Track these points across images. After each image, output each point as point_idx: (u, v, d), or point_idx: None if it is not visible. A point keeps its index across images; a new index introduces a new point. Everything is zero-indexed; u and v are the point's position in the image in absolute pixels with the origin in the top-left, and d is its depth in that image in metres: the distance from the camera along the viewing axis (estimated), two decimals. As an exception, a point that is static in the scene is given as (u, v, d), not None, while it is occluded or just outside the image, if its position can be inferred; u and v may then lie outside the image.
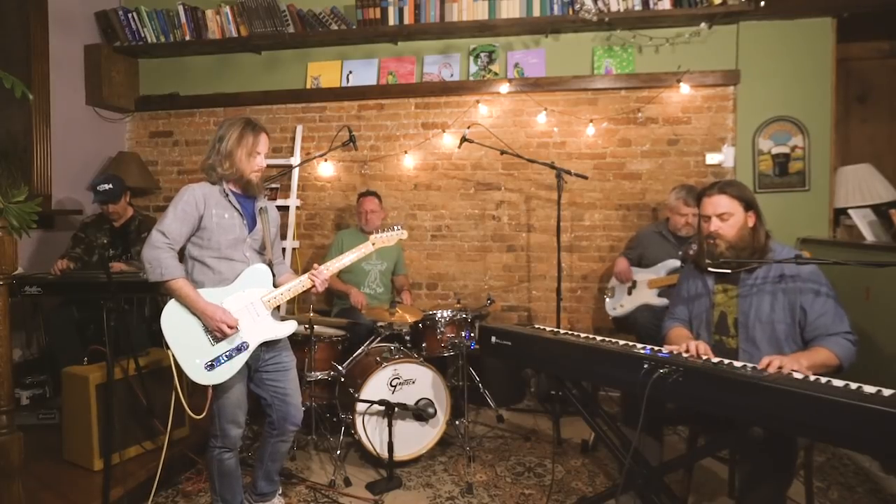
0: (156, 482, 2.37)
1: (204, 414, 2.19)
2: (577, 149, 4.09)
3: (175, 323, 2.13)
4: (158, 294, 2.99)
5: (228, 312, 2.15)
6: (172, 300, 2.14)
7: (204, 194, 2.20)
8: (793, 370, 1.80)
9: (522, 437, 3.28)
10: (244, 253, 2.26)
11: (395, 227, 2.53)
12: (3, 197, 1.89)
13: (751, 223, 2.15)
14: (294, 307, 4.30)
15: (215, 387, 2.17)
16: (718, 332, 2.22)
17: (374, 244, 2.47)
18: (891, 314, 2.85)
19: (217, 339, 2.16)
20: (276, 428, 2.35)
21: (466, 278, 4.28)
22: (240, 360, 2.18)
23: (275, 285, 2.32)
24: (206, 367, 2.12)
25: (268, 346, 2.28)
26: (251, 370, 2.28)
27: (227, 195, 2.24)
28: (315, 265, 2.35)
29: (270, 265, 2.31)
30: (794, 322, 2.07)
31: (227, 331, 2.13)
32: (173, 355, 2.11)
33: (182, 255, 2.22)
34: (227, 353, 2.16)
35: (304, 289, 2.32)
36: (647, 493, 2.06)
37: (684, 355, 1.99)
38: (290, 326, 2.31)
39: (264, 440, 2.40)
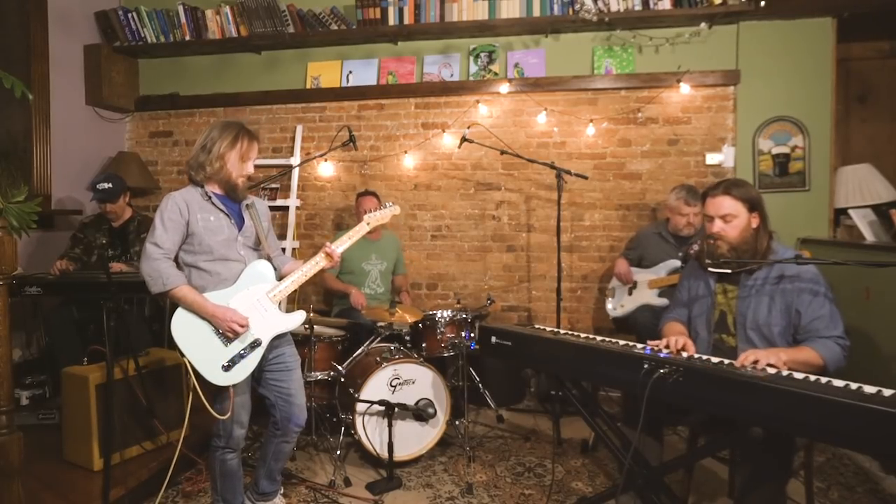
0: (165, 482, 2.34)
1: (229, 414, 2.18)
2: (577, 149, 4.09)
3: (185, 329, 2.13)
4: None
5: (237, 311, 2.15)
6: (179, 308, 2.14)
7: (186, 200, 2.19)
8: (769, 364, 1.81)
9: (522, 437, 3.28)
10: (238, 252, 2.26)
11: (387, 205, 2.55)
12: (3, 197, 1.89)
13: (754, 224, 2.14)
14: (294, 307, 4.30)
15: (220, 387, 2.17)
16: (718, 330, 2.22)
17: (368, 223, 2.48)
18: (891, 314, 2.85)
19: (230, 340, 2.16)
20: (279, 428, 2.35)
21: (466, 278, 4.28)
22: (255, 357, 2.19)
23: (280, 277, 2.32)
24: (223, 369, 2.13)
25: (272, 344, 2.28)
26: (255, 370, 2.28)
27: (210, 198, 2.23)
28: (327, 244, 2.34)
29: (270, 260, 2.31)
30: (789, 325, 2.07)
31: (239, 329, 2.14)
32: (189, 361, 2.11)
33: (177, 264, 2.22)
34: (242, 352, 2.16)
35: (319, 268, 2.32)
36: (647, 493, 2.06)
37: (664, 351, 2.00)
38: (299, 317, 2.30)
39: (267, 440, 2.40)
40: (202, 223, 2.18)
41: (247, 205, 2.34)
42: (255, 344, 2.19)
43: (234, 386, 2.17)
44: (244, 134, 2.25)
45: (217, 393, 2.19)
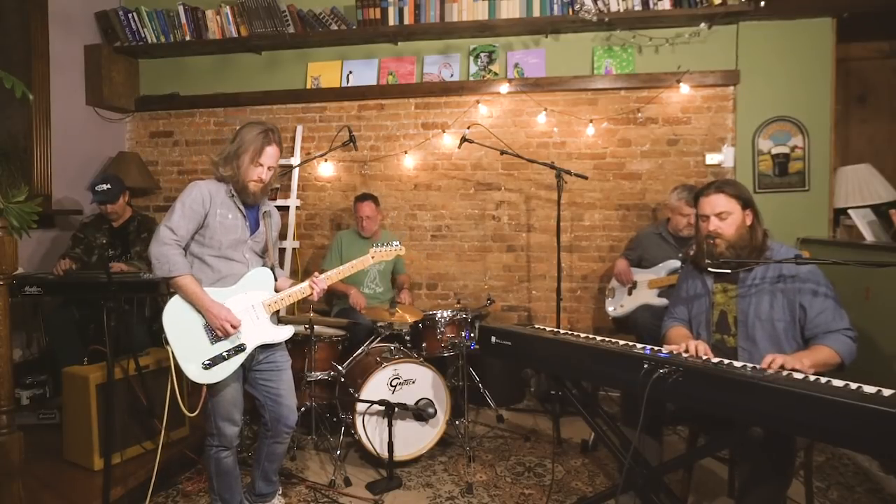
0: (152, 483, 2.35)
1: (197, 411, 2.18)
2: (577, 149, 4.09)
3: (177, 320, 2.13)
4: (158, 294, 2.99)
5: (232, 312, 2.16)
6: (176, 297, 2.14)
7: (210, 192, 2.20)
8: (794, 369, 1.81)
9: (522, 437, 3.28)
10: (244, 254, 2.27)
11: (394, 243, 2.58)
12: (4, 197, 1.89)
13: (748, 221, 2.16)
14: (294, 307, 4.29)
15: (210, 385, 2.17)
16: (719, 330, 2.23)
17: (373, 258, 2.53)
18: (891, 314, 2.85)
19: (217, 339, 2.16)
20: (269, 429, 2.35)
21: (466, 278, 4.28)
22: (236, 361, 2.19)
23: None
24: (203, 366, 2.13)
25: (263, 346, 2.28)
26: (245, 370, 2.28)
27: (233, 195, 2.25)
28: (316, 273, 2.37)
29: (273, 269, 2.31)
30: (793, 320, 2.07)
31: (231, 330, 2.14)
32: (172, 351, 2.12)
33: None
34: (226, 353, 2.16)
35: (303, 296, 2.34)
36: (647, 493, 2.06)
37: (684, 355, 1.99)
38: (287, 332, 2.32)
39: (260, 441, 2.40)
40: (220, 218, 2.19)
41: (265, 212, 2.35)
42: (239, 348, 2.19)
43: (209, 386, 2.17)
44: (260, 137, 2.22)
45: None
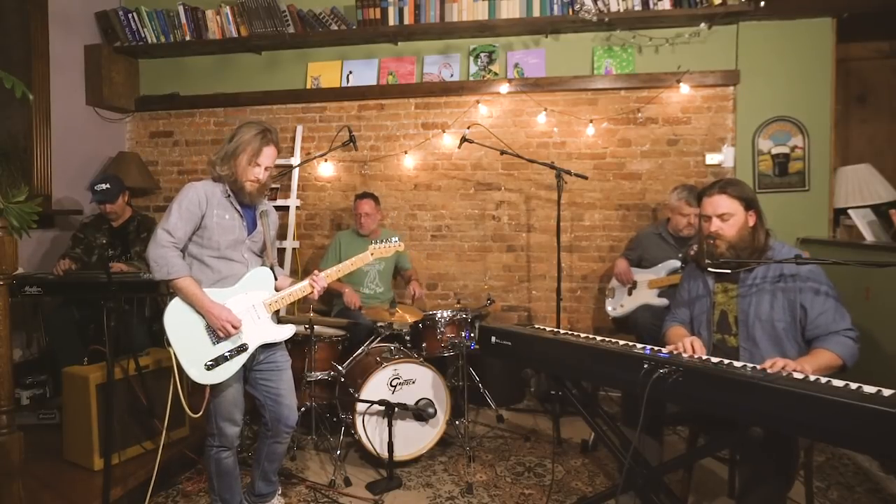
0: (152, 483, 2.35)
1: (201, 412, 2.19)
2: (577, 149, 4.09)
3: (178, 321, 2.13)
4: (158, 294, 2.99)
5: (232, 312, 2.16)
6: (176, 298, 2.14)
7: (207, 193, 2.20)
8: (795, 371, 1.80)
9: (522, 437, 3.28)
10: (243, 254, 2.27)
11: (393, 239, 2.57)
12: (4, 197, 1.89)
13: (751, 222, 2.15)
14: (294, 307, 4.29)
15: (212, 385, 2.17)
16: (720, 330, 2.22)
17: (372, 254, 2.52)
18: (891, 314, 2.85)
19: (219, 339, 2.16)
20: (270, 429, 2.35)
21: (466, 278, 4.28)
22: (239, 361, 2.19)
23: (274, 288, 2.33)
24: (206, 367, 2.13)
25: (264, 346, 2.29)
26: (245, 370, 2.28)
27: (229, 195, 2.25)
28: (315, 271, 2.36)
29: (272, 268, 2.31)
30: (794, 320, 2.07)
31: (232, 330, 2.14)
32: (174, 353, 2.12)
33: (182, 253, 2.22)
34: (228, 354, 2.16)
35: (304, 294, 2.33)
36: (647, 493, 2.06)
37: (682, 354, 1.98)
38: (289, 331, 2.32)
39: (260, 441, 2.40)
40: (217, 219, 2.19)
41: (262, 211, 2.35)
42: (241, 348, 2.19)
43: (212, 386, 2.17)
44: (258, 137, 2.22)
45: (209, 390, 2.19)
